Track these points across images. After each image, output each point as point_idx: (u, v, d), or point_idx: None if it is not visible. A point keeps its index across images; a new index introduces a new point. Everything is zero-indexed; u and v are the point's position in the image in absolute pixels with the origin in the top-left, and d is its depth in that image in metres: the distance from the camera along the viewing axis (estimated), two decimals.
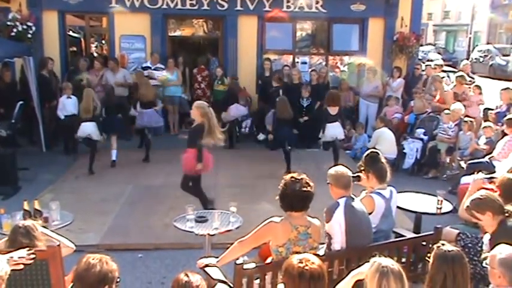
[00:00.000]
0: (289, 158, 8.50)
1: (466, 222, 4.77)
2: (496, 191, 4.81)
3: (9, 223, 4.58)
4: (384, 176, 4.34)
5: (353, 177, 4.13)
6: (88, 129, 8.38)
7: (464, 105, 9.36)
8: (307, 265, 2.64)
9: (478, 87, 10.20)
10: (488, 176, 4.87)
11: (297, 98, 10.37)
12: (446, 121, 8.89)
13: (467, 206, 3.80)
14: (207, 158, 6.29)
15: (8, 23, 10.24)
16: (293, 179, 3.58)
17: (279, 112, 8.75)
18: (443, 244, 3.00)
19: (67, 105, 9.48)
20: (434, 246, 3.01)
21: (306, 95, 10.33)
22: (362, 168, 4.41)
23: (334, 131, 8.64)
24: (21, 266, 3.03)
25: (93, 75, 10.69)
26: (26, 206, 4.67)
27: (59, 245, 3.58)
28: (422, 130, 9.26)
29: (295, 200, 3.54)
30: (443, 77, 11.32)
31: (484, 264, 3.03)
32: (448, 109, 9.14)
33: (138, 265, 5.45)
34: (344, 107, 11.06)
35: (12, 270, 2.80)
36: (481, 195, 3.70)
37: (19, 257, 3.02)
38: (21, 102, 9.18)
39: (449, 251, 2.92)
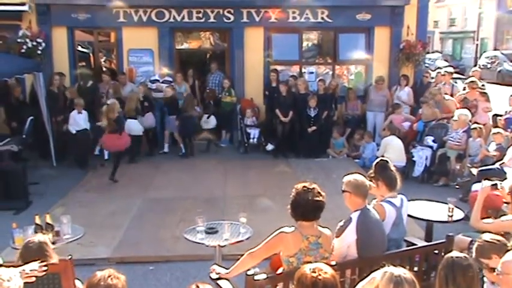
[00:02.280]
0: (191, 146, 10.62)
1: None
2: (502, 197, 4.77)
3: (21, 237, 4.61)
4: (393, 184, 4.31)
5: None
6: (132, 125, 9.78)
7: (472, 112, 9.32)
8: (320, 274, 2.63)
9: (485, 94, 10.16)
10: (493, 182, 4.82)
11: (304, 108, 10.42)
12: (455, 128, 8.85)
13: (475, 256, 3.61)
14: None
15: (18, 40, 10.40)
16: (305, 188, 3.56)
17: (185, 109, 10.48)
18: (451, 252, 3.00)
19: (78, 120, 9.59)
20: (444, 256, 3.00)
21: (313, 105, 10.34)
22: (372, 176, 4.39)
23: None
24: (33, 279, 3.04)
25: (102, 89, 10.80)
26: (37, 220, 4.70)
27: (70, 259, 3.60)
28: (432, 137, 9.22)
29: (307, 209, 3.52)
30: (452, 85, 11.27)
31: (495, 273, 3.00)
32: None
33: (149, 277, 5.45)
34: (352, 115, 11.15)
35: (24, 283, 2.82)
36: (480, 242, 3.49)
37: (31, 270, 3.04)
38: (31, 117, 9.28)
39: (452, 257, 2.94)
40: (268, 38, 11.60)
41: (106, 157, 9.89)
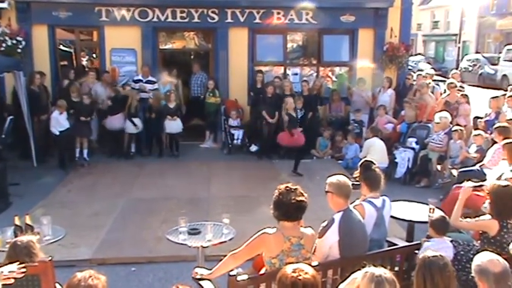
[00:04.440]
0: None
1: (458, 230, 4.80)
2: (483, 198, 4.85)
3: (0, 239, 4.54)
4: (374, 184, 4.35)
5: (354, 184, 4.19)
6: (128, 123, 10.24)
7: (453, 115, 9.44)
8: (300, 275, 2.64)
9: (465, 96, 10.31)
10: (477, 184, 4.90)
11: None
12: (436, 130, 8.95)
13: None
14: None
15: None
16: (288, 188, 3.57)
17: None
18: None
19: (61, 120, 9.47)
20: (420, 256, 3.04)
21: (299, 106, 10.37)
22: (356, 176, 4.44)
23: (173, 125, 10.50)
24: (12, 281, 3.00)
25: (85, 87, 10.70)
26: (17, 221, 4.62)
27: (50, 260, 3.55)
28: (414, 139, 9.32)
29: (289, 209, 3.52)
30: (433, 86, 11.42)
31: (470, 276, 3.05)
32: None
33: (132, 279, 5.41)
34: (335, 117, 11.21)
35: (2, 285, 2.78)
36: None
37: (9, 271, 3.00)
38: (11, 116, 9.13)
39: (428, 256, 2.97)
40: (252, 38, 11.60)
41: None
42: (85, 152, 9.89)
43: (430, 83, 10.84)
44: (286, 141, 9.80)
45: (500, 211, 4.17)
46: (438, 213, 4.48)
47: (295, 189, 3.57)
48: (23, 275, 3.08)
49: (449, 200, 6.00)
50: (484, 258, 2.89)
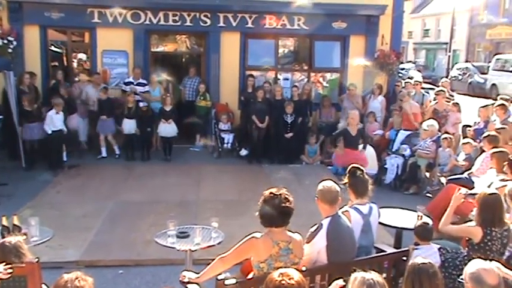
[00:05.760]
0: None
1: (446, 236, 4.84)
2: (472, 205, 4.91)
3: None
4: (359, 191, 4.37)
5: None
6: (128, 124, 10.25)
7: (441, 123, 9.53)
8: (283, 279, 2.64)
9: (456, 104, 10.41)
10: (472, 192, 4.95)
11: (280, 114, 10.47)
12: (423, 137, 9.02)
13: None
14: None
15: None
16: (272, 194, 3.53)
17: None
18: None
19: (55, 120, 9.41)
20: (409, 262, 3.06)
21: (289, 111, 10.41)
22: (345, 183, 4.47)
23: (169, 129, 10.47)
24: None
25: (76, 88, 10.65)
26: (4, 221, 4.59)
27: (37, 261, 3.53)
28: (407, 146, 9.36)
29: (274, 216, 3.50)
30: (423, 94, 11.51)
31: (459, 280, 3.08)
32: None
33: (119, 282, 5.38)
34: (326, 123, 11.25)
35: None
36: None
37: None
38: (0, 116, 9.07)
39: (418, 263, 3.00)
40: (244, 43, 11.63)
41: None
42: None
43: (409, 91, 10.89)
44: (342, 162, 8.47)
45: (485, 218, 4.22)
46: (421, 221, 4.53)
47: (280, 194, 3.53)
48: (9, 275, 3.06)
49: (441, 197, 6.13)
50: (480, 266, 2.90)
